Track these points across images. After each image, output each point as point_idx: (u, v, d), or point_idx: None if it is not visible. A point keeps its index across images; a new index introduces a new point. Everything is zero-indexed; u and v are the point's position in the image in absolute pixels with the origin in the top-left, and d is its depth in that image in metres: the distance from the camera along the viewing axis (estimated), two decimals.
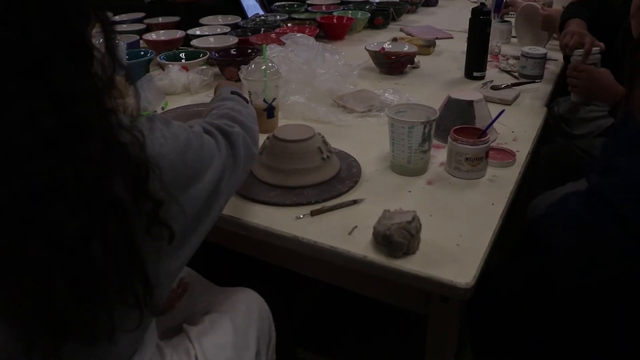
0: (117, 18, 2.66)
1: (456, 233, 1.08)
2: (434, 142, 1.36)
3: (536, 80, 1.96)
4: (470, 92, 1.54)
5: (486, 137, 1.27)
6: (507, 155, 1.39)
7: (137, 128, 0.72)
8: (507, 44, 2.47)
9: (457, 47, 2.42)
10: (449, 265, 0.99)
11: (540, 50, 1.98)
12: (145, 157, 0.70)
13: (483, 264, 1.00)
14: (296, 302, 1.92)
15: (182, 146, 0.80)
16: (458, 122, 1.41)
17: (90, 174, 0.62)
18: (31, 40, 0.61)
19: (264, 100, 1.50)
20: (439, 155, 1.38)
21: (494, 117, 1.38)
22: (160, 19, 2.58)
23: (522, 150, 1.42)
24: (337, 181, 1.24)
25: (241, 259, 1.14)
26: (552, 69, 2.14)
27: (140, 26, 2.51)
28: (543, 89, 1.94)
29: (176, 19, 2.57)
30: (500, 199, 1.20)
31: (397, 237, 0.97)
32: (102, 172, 0.64)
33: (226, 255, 1.33)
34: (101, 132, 0.66)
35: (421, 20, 3.08)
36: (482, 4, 1.99)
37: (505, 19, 2.67)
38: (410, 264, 0.99)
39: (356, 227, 1.09)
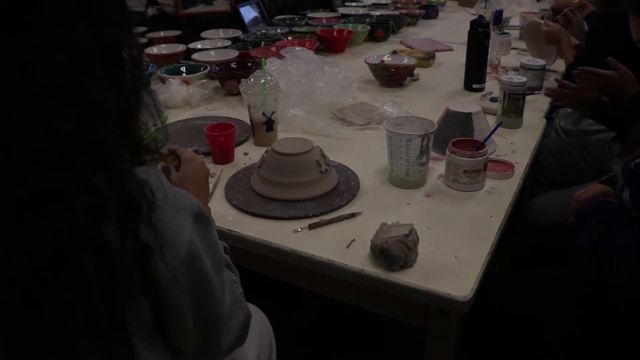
0: None
1: (454, 246, 1.08)
2: (433, 154, 1.37)
3: (535, 92, 1.97)
4: (469, 104, 1.54)
5: (484, 149, 1.27)
6: (505, 167, 1.39)
7: (148, 186, 0.66)
8: (506, 56, 2.48)
9: (456, 59, 2.42)
10: (446, 278, 0.99)
11: (539, 61, 1.98)
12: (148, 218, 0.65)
13: (481, 277, 1.00)
14: (296, 315, 1.91)
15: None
16: (457, 134, 1.42)
17: (81, 202, 0.59)
18: (75, 41, 0.60)
19: (263, 114, 1.51)
20: (438, 167, 1.39)
21: (492, 129, 1.38)
22: (162, 33, 2.59)
23: (521, 162, 1.43)
24: (335, 194, 1.25)
25: (239, 273, 1.14)
26: (552, 80, 2.14)
27: (142, 40, 2.52)
28: (542, 100, 1.94)
29: (178, 32, 2.59)
30: (498, 211, 1.20)
31: (395, 251, 0.97)
32: (96, 205, 0.60)
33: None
34: (114, 157, 0.63)
35: (421, 33, 3.09)
36: (481, 16, 2.00)
37: (505, 31, 2.68)
38: (407, 277, 0.99)
39: (354, 240, 1.09)
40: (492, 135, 1.36)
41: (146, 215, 0.64)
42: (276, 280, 1.22)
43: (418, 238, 1.02)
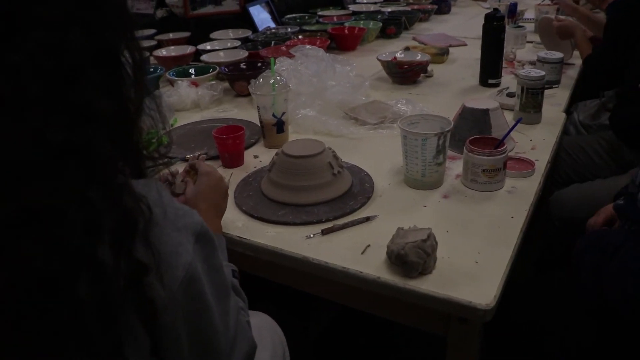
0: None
1: (474, 250, 1.03)
2: (449, 153, 1.32)
3: (554, 86, 1.91)
4: (486, 100, 1.49)
5: (503, 147, 1.22)
6: (526, 165, 1.33)
7: (146, 201, 0.62)
8: (521, 49, 2.41)
9: (471, 54, 2.37)
10: (467, 284, 0.94)
11: (557, 54, 1.92)
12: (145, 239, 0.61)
13: (504, 283, 0.95)
14: (310, 323, 1.86)
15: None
16: (474, 131, 1.36)
17: (74, 218, 0.54)
18: (67, 46, 0.56)
19: (273, 115, 1.46)
20: (455, 167, 1.33)
21: (510, 125, 1.33)
22: (171, 35, 2.56)
23: (542, 159, 1.37)
24: (349, 197, 1.20)
25: (251, 280, 1.10)
26: (570, 73, 2.08)
27: (151, 42, 2.49)
28: (561, 94, 1.88)
29: (187, 34, 2.56)
30: (520, 212, 1.15)
31: (412, 257, 0.92)
32: (89, 221, 0.55)
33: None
34: (110, 170, 0.59)
35: (434, 28, 3.04)
36: (496, 9, 1.94)
37: (520, 24, 2.61)
38: (426, 285, 0.94)
39: (369, 245, 1.05)
40: (511, 132, 1.31)
41: (143, 233, 0.60)
42: (288, 287, 1.18)
43: (436, 243, 0.97)
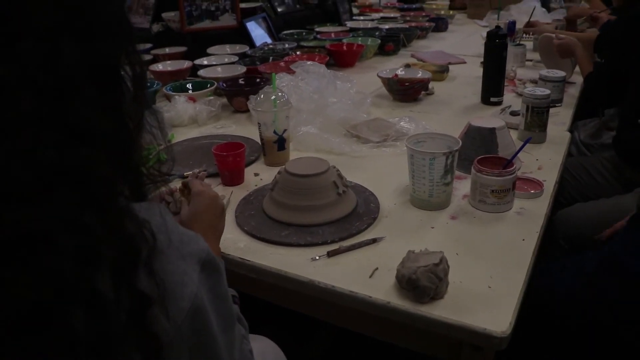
0: None
1: (486, 273, 0.99)
2: (455, 173, 1.28)
3: (556, 105, 1.88)
4: (491, 118, 1.46)
5: (513, 167, 1.19)
6: (534, 185, 1.30)
7: (149, 227, 0.57)
8: (522, 68, 2.40)
9: (470, 72, 2.36)
10: (481, 310, 0.90)
11: (559, 73, 1.90)
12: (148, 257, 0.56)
13: (519, 309, 0.91)
14: (311, 344, 1.81)
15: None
16: (480, 151, 1.33)
17: (68, 246, 0.49)
18: (61, 58, 0.52)
19: (274, 132, 1.43)
20: (461, 187, 1.30)
21: (517, 144, 1.30)
22: (167, 49, 2.53)
23: (549, 179, 1.34)
24: (354, 218, 1.16)
25: (252, 303, 1.05)
26: (572, 92, 2.06)
27: (147, 57, 2.46)
28: (564, 113, 1.86)
29: (183, 48, 2.53)
30: (530, 234, 1.12)
31: (424, 281, 0.88)
32: (86, 249, 0.50)
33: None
34: (108, 193, 0.54)
35: (432, 46, 3.03)
36: (498, 27, 1.92)
37: (519, 42, 2.60)
38: (438, 310, 0.90)
39: (377, 269, 1.01)
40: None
41: (146, 262, 0.55)
42: (288, 309, 1.13)
43: (449, 266, 0.93)
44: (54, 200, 0.49)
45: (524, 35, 2.77)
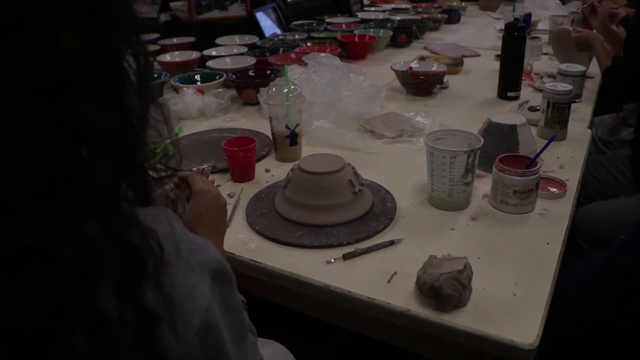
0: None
1: (510, 279, 0.94)
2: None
3: (575, 100, 1.82)
4: (511, 115, 1.40)
5: (536, 167, 1.14)
6: (556, 185, 1.25)
7: (155, 236, 0.53)
8: (537, 61, 2.34)
9: (485, 65, 2.30)
10: (506, 320, 0.85)
11: (579, 67, 1.84)
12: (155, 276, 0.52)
13: (546, 319, 0.86)
14: (323, 348, 1.76)
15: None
16: (500, 148, 1.28)
17: (68, 260, 0.45)
18: (58, 51, 0.48)
19: (286, 127, 1.38)
20: (481, 186, 1.25)
21: (538, 142, 1.25)
22: (175, 40, 2.48)
23: (572, 178, 1.29)
24: (370, 218, 1.11)
25: (262, 306, 1.01)
26: (591, 87, 2.00)
27: (155, 47, 2.41)
28: (583, 109, 1.81)
29: (191, 39, 2.48)
30: (555, 237, 1.07)
31: (447, 289, 0.84)
32: (87, 262, 0.46)
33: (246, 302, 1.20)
34: (110, 199, 0.50)
35: (444, 38, 2.96)
36: (516, 19, 1.86)
37: (534, 35, 2.54)
38: (461, 319, 0.85)
39: (395, 273, 0.96)
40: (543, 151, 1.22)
41: (153, 275, 0.51)
42: (300, 312, 1.09)
43: (472, 273, 0.88)
44: (52, 209, 0.45)
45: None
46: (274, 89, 1.38)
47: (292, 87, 1.38)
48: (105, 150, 0.49)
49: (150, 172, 0.61)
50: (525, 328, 0.83)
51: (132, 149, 0.55)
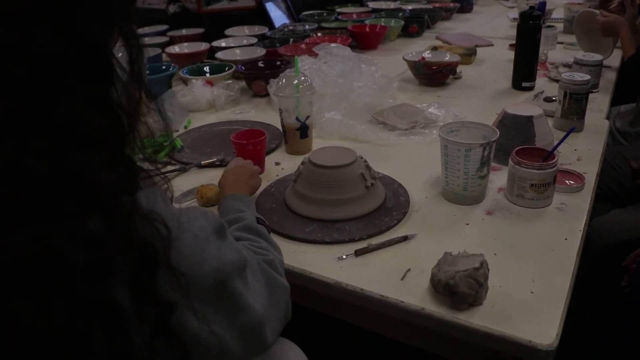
0: (139, 31, 2.54)
1: (528, 277, 0.91)
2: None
3: (593, 91, 1.78)
4: (527, 106, 1.37)
5: (554, 160, 1.10)
6: (574, 178, 1.22)
7: (160, 219, 0.54)
8: (552, 50, 2.29)
9: (499, 55, 2.26)
10: (524, 319, 0.82)
11: (596, 56, 1.79)
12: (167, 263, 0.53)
13: (565, 317, 0.84)
14: (335, 347, 1.73)
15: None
16: (516, 140, 1.25)
17: (78, 262, 0.43)
18: (35, 50, 0.45)
19: (297, 119, 1.35)
20: (496, 179, 1.22)
21: (555, 134, 1.21)
22: (184, 31, 2.46)
23: (590, 172, 1.25)
24: (383, 213, 1.08)
25: None
26: (609, 76, 1.95)
27: (164, 39, 2.39)
28: (600, 99, 1.76)
29: (200, 30, 2.45)
30: (573, 232, 1.03)
31: (463, 287, 0.81)
32: (98, 262, 0.45)
33: None
34: (111, 196, 0.49)
35: (457, 28, 2.91)
36: (532, 7, 1.81)
37: (549, 24, 2.49)
38: (477, 319, 0.83)
39: (409, 270, 0.93)
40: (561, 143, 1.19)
41: (164, 260, 0.52)
42: (311, 309, 1.07)
43: (489, 270, 0.86)
44: (54, 214, 0.43)
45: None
46: (283, 81, 1.35)
47: (303, 78, 1.35)
48: (98, 149, 0.48)
49: (146, 162, 0.60)
50: (544, 328, 0.81)
51: (122, 143, 0.54)
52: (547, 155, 1.12)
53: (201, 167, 1.34)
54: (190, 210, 0.62)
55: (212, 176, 1.30)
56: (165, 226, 0.53)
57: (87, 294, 0.44)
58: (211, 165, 1.35)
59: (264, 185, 1.22)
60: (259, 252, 0.81)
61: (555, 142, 1.19)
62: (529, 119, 1.27)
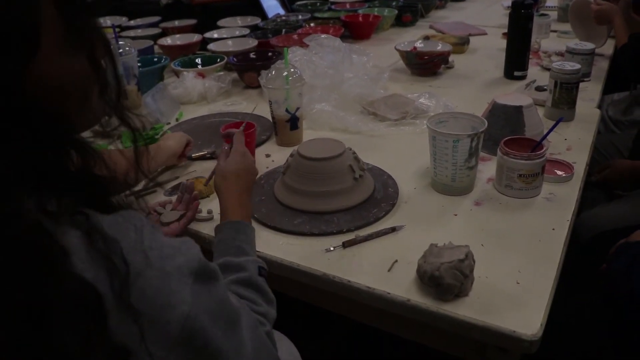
0: (132, 23, 2.54)
1: (514, 267, 0.92)
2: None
3: (584, 79, 1.78)
4: (517, 95, 1.36)
5: (542, 150, 1.10)
6: (563, 168, 1.22)
7: (119, 251, 0.49)
8: (546, 39, 2.28)
9: (492, 44, 2.25)
10: (509, 310, 0.83)
11: (588, 45, 1.79)
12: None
13: (550, 308, 0.84)
14: (325, 338, 1.74)
15: None
16: (505, 130, 1.25)
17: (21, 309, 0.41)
18: None
19: (287, 110, 1.35)
20: (485, 169, 1.22)
21: (545, 123, 1.21)
22: (176, 22, 2.45)
23: (579, 161, 1.25)
24: (371, 204, 1.09)
25: None
26: (601, 65, 1.95)
27: (156, 30, 2.39)
28: (592, 88, 1.76)
29: (193, 21, 2.44)
30: (561, 222, 1.04)
31: (448, 279, 0.81)
32: (33, 306, 0.42)
33: None
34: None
35: (451, 16, 2.91)
36: None
37: (543, 12, 2.48)
38: (462, 309, 0.83)
39: (396, 261, 0.93)
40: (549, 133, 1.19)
41: (119, 298, 0.47)
42: (301, 301, 1.07)
43: (474, 262, 0.86)
44: None
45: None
46: (273, 72, 1.35)
47: (292, 70, 1.35)
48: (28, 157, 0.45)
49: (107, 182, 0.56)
50: (528, 318, 0.81)
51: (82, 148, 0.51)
52: (535, 146, 1.13)
53: (192, 159, 1.34)
54: (166, 245, 0.54)
55: (203, 169, 1.30)
56: (124, 261, 0.48)
57: (26, 339, 0.41)
58: (202, 158, 1.35)
59: None
60: (258, 318, 0.74)
61: (546, 132, 1.19)
62: (519, 109, 1.27)
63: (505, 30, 1.90)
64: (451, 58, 1.96)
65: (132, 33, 2.38)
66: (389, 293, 0.87)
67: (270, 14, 2.62)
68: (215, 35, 2.26)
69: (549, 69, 1.83)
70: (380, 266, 0.93)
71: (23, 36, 0.47)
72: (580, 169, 1.22)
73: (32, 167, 0.47)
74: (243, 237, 0.88)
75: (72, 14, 0.51)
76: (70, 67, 0.52)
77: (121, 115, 0.59)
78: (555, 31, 2.40)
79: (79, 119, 0.56)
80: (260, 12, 2.58)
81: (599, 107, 1.68)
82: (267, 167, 1.28)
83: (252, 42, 2.08)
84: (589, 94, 1.70)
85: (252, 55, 1.93)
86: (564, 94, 1.45)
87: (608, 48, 2.07)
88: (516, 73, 1.83)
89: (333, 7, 2.81)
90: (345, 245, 0.98)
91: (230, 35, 2.25)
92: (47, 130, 0.49)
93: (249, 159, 1.01)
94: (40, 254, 0.43)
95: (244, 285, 0.79)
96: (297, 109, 1.36)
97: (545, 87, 1.67)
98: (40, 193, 0.47)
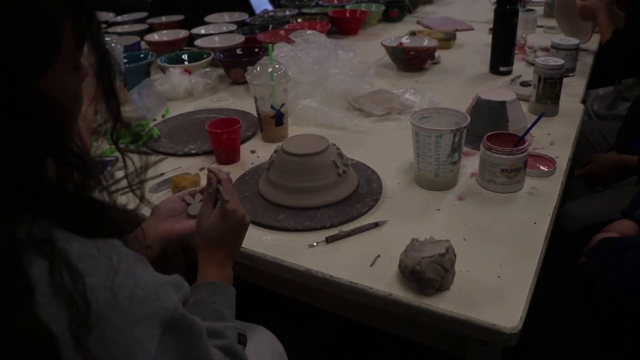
0: (119, 18, 2.53)
1: (495, 261, 0.93)
2: (463, 149, 1.21)
3: (569, 75, 1.79)
4: (501, 91, 1.37)
5: (525, 145, 1.11)
6: (546, 163, 1.23)
7: (81, 289, 0.46)
8: (532, 34, 2.29)
9: (479, 40, 2.26)
10: (489, 303, 0.84)
11: (572, 40, 1.80)
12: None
13: (530, 301, 0.85)
14: (310, 333, 1.75)
15: None
16: (489, 126, 1.26)
17: None
18: None
19: (272, 107, 1.35)
20: (469, 164, 1.23)
21: (529, 118, 1.22)
22: (163, 18, 2.45)
23: (562, 156, 1.26)
24: (355, 200, 1.09)
25: (247, 290, 1.00)
26: (586, 60, 1.96)
27: (143, 26, 2.38)
28: (577, 83, 1.77)
29: (180, 17, 2.44)
30: (542, 217, 1.05)
31: (429, 273, 0.82)
32: None
33: None
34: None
35: (438, 12, 2.91)
36: None
37: (529, 7, 2.49)
38: (443, 304, 0.84)
39: (379, 256, 0.94)
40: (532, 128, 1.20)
41: (77, 339, 0.45)
42: (285, 296, 1.08)
43: (455, 256, 0.87)
44: None
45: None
46: (258, 69, 1.35)
47: (277, 66, 1.35)
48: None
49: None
50: (508, 311, 0.82)
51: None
52: (517, 140, 1.13)
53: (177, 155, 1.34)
54: (143, 287, 0.50)
55: (188, 165, 1.30)
56: (85, 302, 0.45)
57: None
58: (187, 155, 1.35)
59: (238, 174, 1.22)
60: None
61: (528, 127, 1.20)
62: (502, 104, 1.28)
63: (492, 26, 1.91)
64: (437, 53, 1.97)
65: (119, 29, 2.37)
66: (371, 288, 0.88)
67: (258, 9, 2.61)
68: (203, 31, 2.25)
69: (534, 64, 1.85)
70: (363, 261, 0.94)
71: (46, 41, 0.47)
72: (563, 163, 1.23)
73: (18, 181, 0.46)
74: (222, 299, 0.82)
75: (84, 33, 0.52)
76: (74, 83, 0.53)
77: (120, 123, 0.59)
78: (541, 26, 2.41)
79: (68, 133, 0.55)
80: (248, 7, 2.57)
81: (584, 102, 1.69)
82: (252, 163, 1.29)
83: (239, 38, 2.08)
84: (574, 89, 1.71)
85: (238, 52, 1.93)
86: (548, 89, 1.46)
87: (593, 43, 2.09)
88: (502, 68, 1.84)
89: (320, 2, 2.80)
90: (329, 240, 0.99)
91: (218, 31, 2.24)
92: (42, 141, 0.48)
93: (236, 218, 0.87)
94: (5, 290, 0.42)
95: (224, 353, 0.72)
96: (282, 105, 1.36)
97: (529, 83, 1.68)
98: (14, 213, 0.45)
